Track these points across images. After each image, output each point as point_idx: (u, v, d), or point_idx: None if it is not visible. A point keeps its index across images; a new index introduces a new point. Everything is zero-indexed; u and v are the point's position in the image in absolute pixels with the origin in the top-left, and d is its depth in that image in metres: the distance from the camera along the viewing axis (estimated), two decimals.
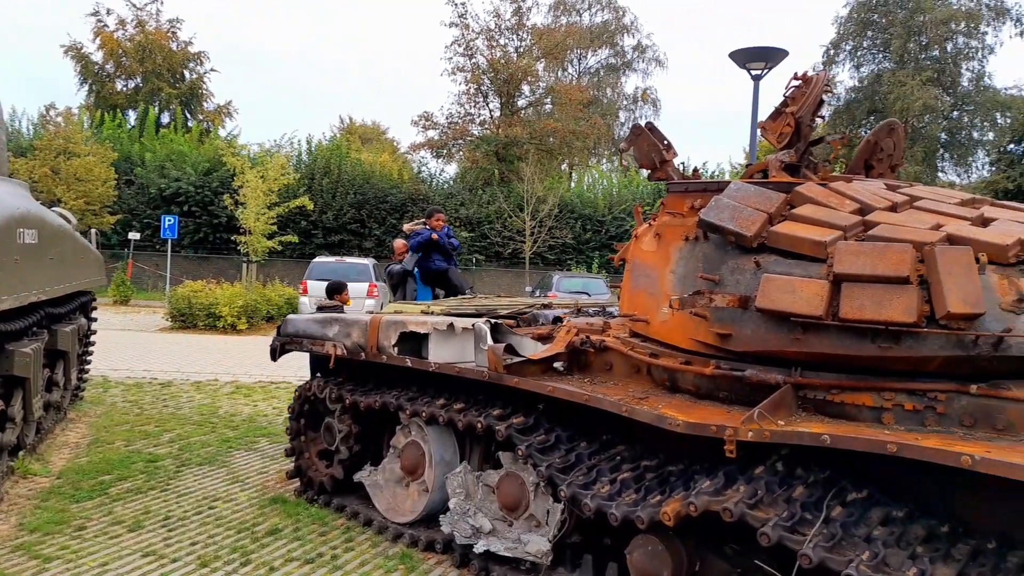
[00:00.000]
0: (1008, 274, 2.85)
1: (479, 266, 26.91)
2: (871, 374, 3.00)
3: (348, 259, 19.26)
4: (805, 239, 3.11)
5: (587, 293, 16.96)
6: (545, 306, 5.78)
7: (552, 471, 3.60)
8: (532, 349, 4.31)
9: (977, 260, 2.83)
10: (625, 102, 39.67)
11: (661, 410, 3.34)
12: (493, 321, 4.42)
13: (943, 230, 3.01)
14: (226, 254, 24.43)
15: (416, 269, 8.81)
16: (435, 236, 8.65)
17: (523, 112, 32.59)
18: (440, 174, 31.89)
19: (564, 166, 35.62)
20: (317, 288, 16.42)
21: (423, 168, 31.87)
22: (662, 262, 3.82)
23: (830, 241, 3.02)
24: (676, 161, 4.27)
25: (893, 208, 3.35)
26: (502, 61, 29.95)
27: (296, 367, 10.41)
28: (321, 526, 4.82)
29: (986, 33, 34.59)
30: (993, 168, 39.18)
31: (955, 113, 36.37)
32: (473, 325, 4.30)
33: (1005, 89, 36.79)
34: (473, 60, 30.34)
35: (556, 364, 4.10)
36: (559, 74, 37.66)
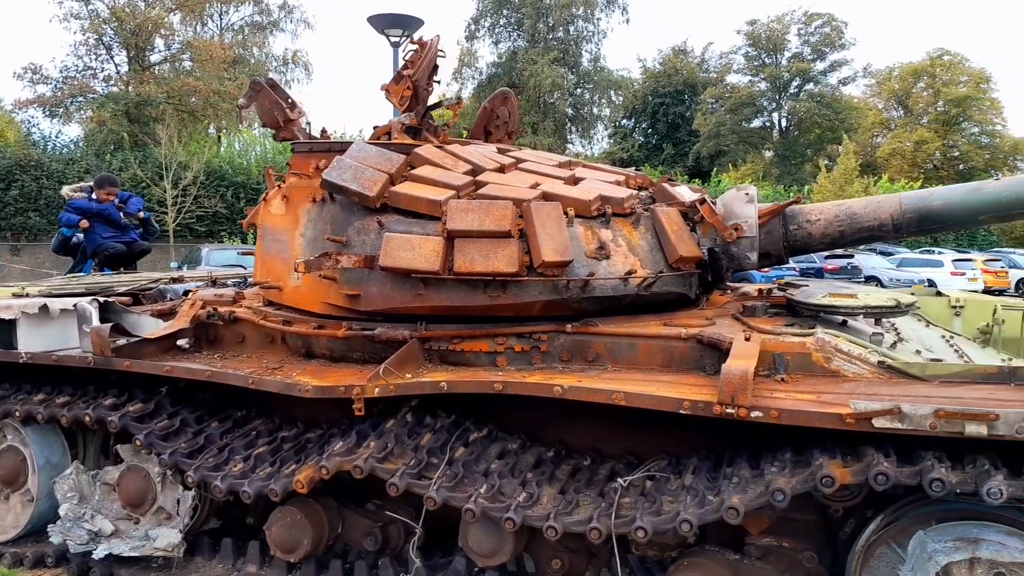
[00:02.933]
0: (591, 226, 3.25)
1: None
2: (486, 322, 3.23)
3: None
4: (422, 198, 3.21)
5: (243, 266, 16.02)
6: (175, 280, 5.29)
7: (177, 457, 3.32)
8: (153, 328, 3.90)
9: (566, 214, 3.18)
10: (275, 63, 37.90)
11: (295, 377, 3.25)
12: (102, 300, 3.90)
13: (540, 188, 3.33)
14: None
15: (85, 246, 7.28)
16: (83, 226, 7.05)
17: (157, 68, 29.41)
18: (57, 136, 27.46)
19: (211, 129, 33.06)
20: None
21: (34, 129, 27.20)
22: (291, 225, 3.69)
23: (444, 200, 3.16)
24: (302, 121, 4.14)
25: (501, 169, 3.61)
26: (127, 10, 26.56)
27: None
28: None
29: (600, 19, 39.57)
30: (611, 140, 45.41)
31: (579, 90, 41.18)
32: (75, 305, 3.75)
33: (617, 71, 42.60)
34: (91, 6, 26.49)
35: (180, 342, 3.76)
36: (198, 29, 34.64)
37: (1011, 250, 29.79)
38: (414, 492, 2.81)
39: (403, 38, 9.93)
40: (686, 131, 45.15)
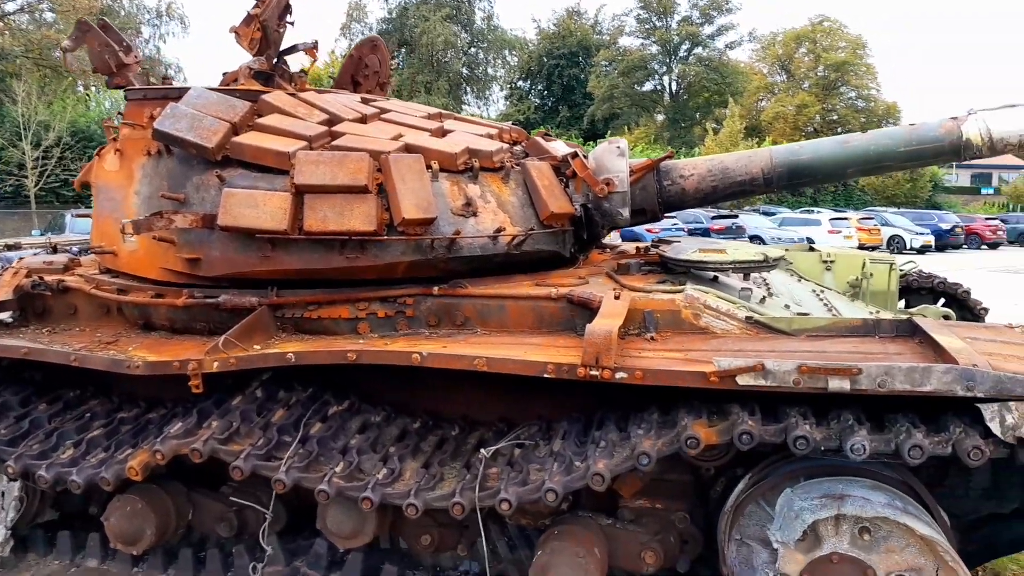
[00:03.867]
0: (458, 180, 3.03)
1: None
2: (345, 286, 2.98)
3: None
4: (269, 150, 2.90)
5: None
6: (10, 247, 4.76)
7: None
8: None
9: (430, 168, 2.95)
10: (148, 16, 35.34)
11: (129, 352, 2.92)
12: None
13: (402, 140, 3.07)
14: None
15: None
16: None
17: (13, 19, 26.86)
18: None
19: (80, 87, 30.58)
20: None
21: None
22: (125, 182, 3.30)
23: (293, 152, 2.86)
24: (140, 67, 3.70)
25: (363, 120, 3.33)
26: None
27: None
28: None
29: None
30: (507, 102, 45.03)
31: (473, 50, 40.53)
32: None
33: (511, 30, 42.17)
34: None
35: (1, 315, 3.32)
36: None
37: (883, 209, 31.61)
38: (262, 475, 2.56)
39: None
40: (581, 93, 45.31)
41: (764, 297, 3.07)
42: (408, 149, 3.00)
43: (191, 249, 2.98)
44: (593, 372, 2.25)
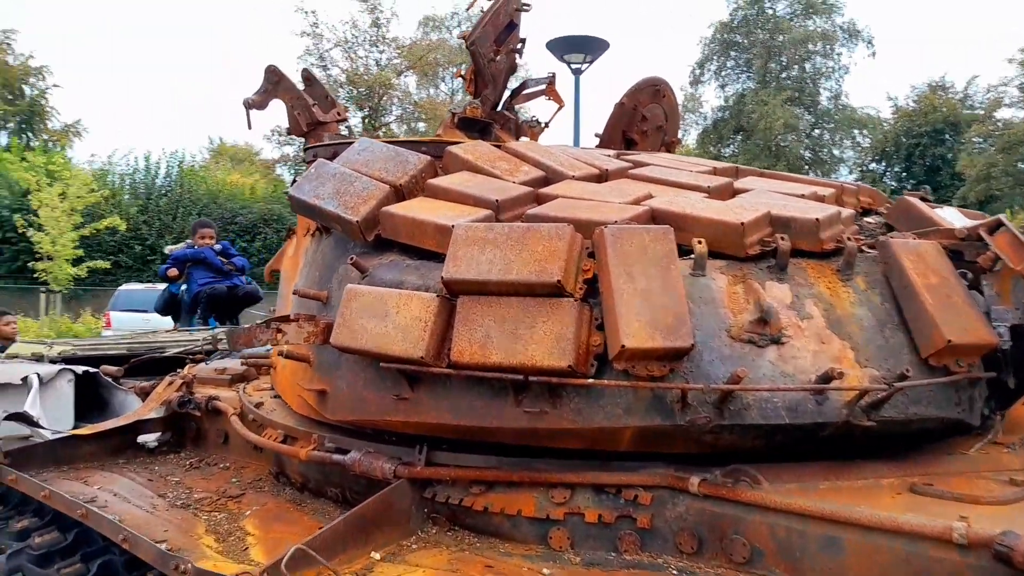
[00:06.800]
0: (745, 274, 1.61)
1: None
2: (531, 456, 1.70)
3: (161, 286, 17.05)
4: (427, 223, 1.78)
5: None
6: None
7: None
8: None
9: (685, 252, 1.58)
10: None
11: (242, 521, 1.96)
12: (80, 371, 2.90)
13: (647, 204, 1.76)
14: (26, 283, 21.02)
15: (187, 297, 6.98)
16: (171, 275, 6.70)
17: (390, 128, 31.17)
18: None
19: None
20: (123, 320, 14.31)
21: (278, 186, 29.74)
22: (293, 271, 2.47)
23: (461, 224, 1.70)
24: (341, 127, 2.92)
25: (600, 178, 2.09)
26: (358, 72, 28.48)
27: None
28: None
29: (841, 54, 35.95)
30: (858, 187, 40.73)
31: (816, 131, 37.55)
32: (25, 379, 2.75)
33: (862, 108, 38.46)
34: (328, 71, 28.66)
35: (145, 438, 2.63)
36: (431, 91, 36.51)
37: None
38: None
39: (585, 64, 8.65)
40: (948, 174, 39.24)
41: None
42: (654, 218, 1.68)
43: (322, 376, 1.95)
44: None
